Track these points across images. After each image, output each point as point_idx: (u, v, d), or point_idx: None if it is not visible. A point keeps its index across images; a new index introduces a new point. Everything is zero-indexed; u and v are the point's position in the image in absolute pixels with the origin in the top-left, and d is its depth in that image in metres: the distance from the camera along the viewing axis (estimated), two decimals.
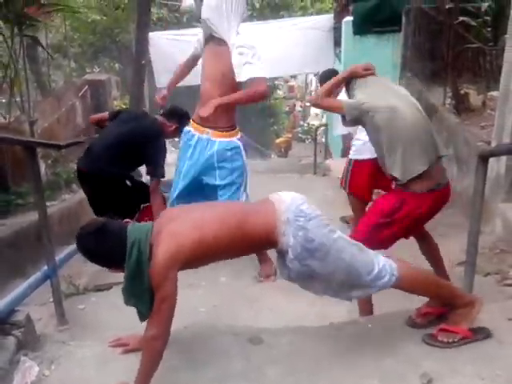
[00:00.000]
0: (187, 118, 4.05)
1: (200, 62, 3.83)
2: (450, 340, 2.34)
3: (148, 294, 2.09)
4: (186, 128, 3.84)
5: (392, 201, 2.83)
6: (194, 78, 4.07)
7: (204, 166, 3.69)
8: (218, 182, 3.68)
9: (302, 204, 2.21)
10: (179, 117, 4.19)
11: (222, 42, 3.52)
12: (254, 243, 2.25)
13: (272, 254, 3.55)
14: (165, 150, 4.08)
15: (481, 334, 2.38)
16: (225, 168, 3.67)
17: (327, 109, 3.24)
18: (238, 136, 3.76)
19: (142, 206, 4.18)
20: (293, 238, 2.14)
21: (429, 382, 2.15)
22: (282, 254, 2.23)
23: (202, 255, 2.15)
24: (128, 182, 4.19)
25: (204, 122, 3.65)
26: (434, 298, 2.51)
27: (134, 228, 2.18)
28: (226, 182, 3.67)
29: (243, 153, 3.75)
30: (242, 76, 3.40)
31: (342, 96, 3.32)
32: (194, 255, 2.11)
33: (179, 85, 4.27)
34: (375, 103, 2.77)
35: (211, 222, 2.17)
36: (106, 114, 4.44)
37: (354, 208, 4.54)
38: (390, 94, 2.86)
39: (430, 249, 3.22)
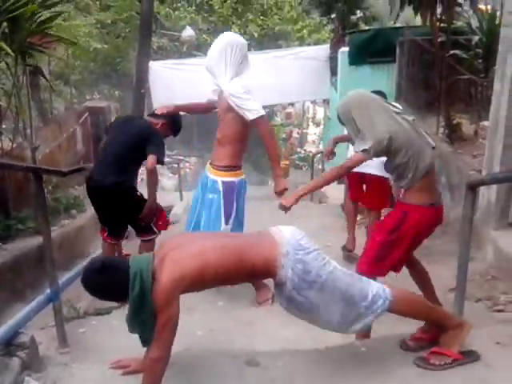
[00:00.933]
0: (176, 115, 4.22)
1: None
2: (442, 363, 2.42)
3: (152, 321, 2.17)
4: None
5: (396, 215, 2.95)
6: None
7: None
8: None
9: (301, 239, 2.35)
10: (165, 115, 4.18)
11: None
12: (251, 273, 2.38)
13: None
14: (163, 144, 4.14)
15: (470, 356, 2.46)
16: (214, 204, 3.78)
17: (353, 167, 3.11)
18: (241, 177, 3.86)
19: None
20: (291, 270, 2.27)
21: None
22: (280, 286, 2.34)
23: (201, 282, 2.27)
24: (138, 193, 4.23)
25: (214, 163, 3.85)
26: (425, 320, 2.61)
27: (135, 260, 2.30)
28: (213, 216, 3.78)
29: (236, 191, 3.83)
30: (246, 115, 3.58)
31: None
32: (195, 281, 2.22)
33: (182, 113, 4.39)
34: (389, 130, 2.81)
35: (212, 250, 2.28)
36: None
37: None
38: (387, 114, 2.92)
39: (419, 273, 3.25)
